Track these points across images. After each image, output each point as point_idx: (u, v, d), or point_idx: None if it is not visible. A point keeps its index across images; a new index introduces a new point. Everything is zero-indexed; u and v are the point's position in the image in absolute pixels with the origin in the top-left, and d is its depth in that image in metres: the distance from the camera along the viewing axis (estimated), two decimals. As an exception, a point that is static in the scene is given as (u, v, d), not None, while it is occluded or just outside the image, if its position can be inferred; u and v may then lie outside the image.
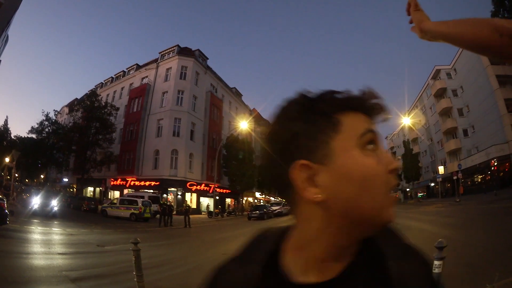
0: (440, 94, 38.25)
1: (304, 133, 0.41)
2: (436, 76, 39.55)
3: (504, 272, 3.86)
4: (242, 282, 0.45)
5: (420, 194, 44.96)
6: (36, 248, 7.36)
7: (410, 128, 43.23)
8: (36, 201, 16.93)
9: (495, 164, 26.90)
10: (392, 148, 59.68)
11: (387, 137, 68.49)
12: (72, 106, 33.60)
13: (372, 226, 0.41)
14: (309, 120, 0.41)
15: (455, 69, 35.87)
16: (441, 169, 34.90)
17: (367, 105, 0.43)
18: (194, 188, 27.00)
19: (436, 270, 2.69)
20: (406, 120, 25.75)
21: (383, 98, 0.44)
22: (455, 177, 30.54)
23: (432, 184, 40.59)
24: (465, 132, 34.80)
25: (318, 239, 0.41)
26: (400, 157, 46.20)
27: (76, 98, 40.61)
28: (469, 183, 31.19)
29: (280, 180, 0.43)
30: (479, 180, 30.17)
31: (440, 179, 33.41)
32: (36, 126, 32.64)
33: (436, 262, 2.70)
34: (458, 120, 35.21)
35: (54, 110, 34.10)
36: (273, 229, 0.52)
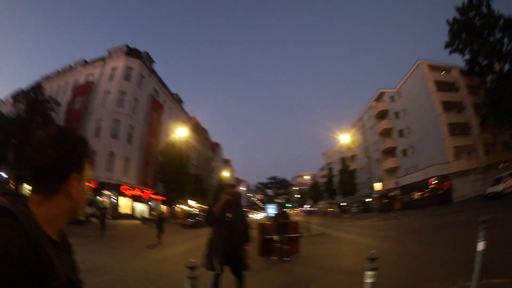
0: (382, 115, 40.24)
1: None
2: (379, 98, 41.27)
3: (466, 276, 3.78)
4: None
5: (355, 206, 45.80)
6: None
7: (348, 146, 46.35)
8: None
9: (435, 182, 27.79)
10: (329, 163, 63.39)
11: (324, 153, 74.70)
12: (17, 97, 32.34)
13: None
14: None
15: (399, 93, 37.37)
16: (377, 186, 36.00)
17: (90, 155, 0.80)
18: (129, 192, 26.51)
19: (368, 280, 2.64)
20: (343, 138, 26.60)
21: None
22: (391, 194, 31.74)
23: (369, 200, 42.05)
24: (404, 152, 36.10)
25: (62, 217, 0.73)
26: (336, 172, 48.45)
27: (22, 89, 38.94)
28: (406, 199, 32.17)
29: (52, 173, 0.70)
30: (418, 197, 31.12)
31: (377, 195, 34.78)
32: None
33: (368, 273, 2.65)
34: (398, 140, 36.90)
35: (-3, 98, 32.62)
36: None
